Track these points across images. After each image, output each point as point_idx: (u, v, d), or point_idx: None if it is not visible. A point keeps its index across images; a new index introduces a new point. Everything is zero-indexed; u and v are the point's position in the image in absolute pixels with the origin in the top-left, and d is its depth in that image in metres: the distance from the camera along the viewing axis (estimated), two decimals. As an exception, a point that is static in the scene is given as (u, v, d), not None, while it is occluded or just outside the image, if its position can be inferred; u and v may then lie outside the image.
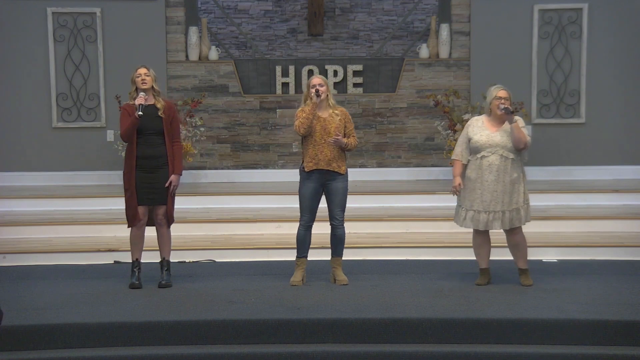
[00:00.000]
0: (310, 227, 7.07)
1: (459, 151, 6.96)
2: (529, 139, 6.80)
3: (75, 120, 11.10)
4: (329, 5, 12.53)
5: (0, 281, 7.33)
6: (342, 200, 7.03)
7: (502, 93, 6.83)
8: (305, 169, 6.99)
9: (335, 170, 6.97)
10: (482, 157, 6.81)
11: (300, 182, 7.07)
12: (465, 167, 6.92)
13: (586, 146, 11.05)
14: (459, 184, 6.90)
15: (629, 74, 10.96)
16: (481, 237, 6.98)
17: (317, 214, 7.10)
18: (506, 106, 6.75)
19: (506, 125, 6.81)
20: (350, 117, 7.11)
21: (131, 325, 5.93)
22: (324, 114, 6.98)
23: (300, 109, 7.01)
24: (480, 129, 6.87)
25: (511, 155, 6.78)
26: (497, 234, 7.05)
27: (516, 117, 6.83)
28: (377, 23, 12.61)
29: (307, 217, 7.04)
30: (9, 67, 10.94)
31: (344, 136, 6.98)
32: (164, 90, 10.50)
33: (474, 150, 6.86)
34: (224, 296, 6.67)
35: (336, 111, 7.02)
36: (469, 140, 6.88)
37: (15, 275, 7.66)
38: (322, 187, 7.01)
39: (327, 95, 6.97)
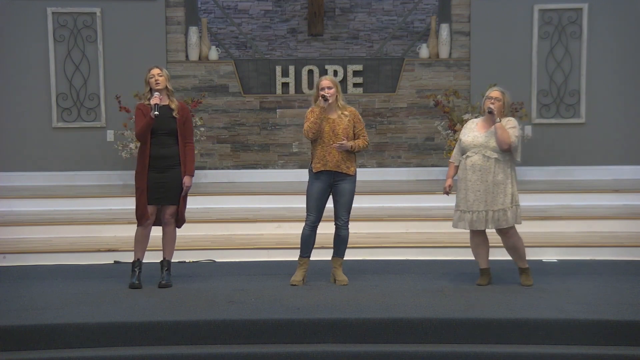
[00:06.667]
0: (316, 227, 7.00)
1: (453, 153, 7.02)
2: (513, 139, 6.68)
3: (75, 120, 11.10)
4: (329, 5, 12.54)
5: (0, 281, 7.33)
6: (348, 202, 7.00)
7: (494, 93, 6.80)
8: (313, 170, 6.98)
9: (344, 171, 6.95)
10: (467, 157, 6.81)
11: (308, 181, 7.04)
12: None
13: (586, 146, 11.05)
14: (449, 186, 6.96)
15: (629, 74, 10.97)
16: (478, 238, 6.96)
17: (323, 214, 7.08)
18: (488, 106, 6.74)
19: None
20: (360, 117, 7.05)
21: (131, 325, 5.93)
22: (332, 115, 6.94)
23: (310, 109, 6.98)
24: (470, 130, 6.88)
25: (494, 155, 6.72)
26: (496, 235, 7.05)
27: (508, 118, 6.79)
28: (377, 23, 12.62)
29: (313, 216, 6.98)
30: (9, 67, 10.95)
31: (354, 136, 6.96)
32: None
33: (462, 151, 6.88)
34: (224, 296, 6.66)
35: (345, 112, 6.97)
36: (460, 141, 6.90)
37: (15, 275, 7.65)
38: (330, 188, 6.99)
39: (337, 96, 6.93)
